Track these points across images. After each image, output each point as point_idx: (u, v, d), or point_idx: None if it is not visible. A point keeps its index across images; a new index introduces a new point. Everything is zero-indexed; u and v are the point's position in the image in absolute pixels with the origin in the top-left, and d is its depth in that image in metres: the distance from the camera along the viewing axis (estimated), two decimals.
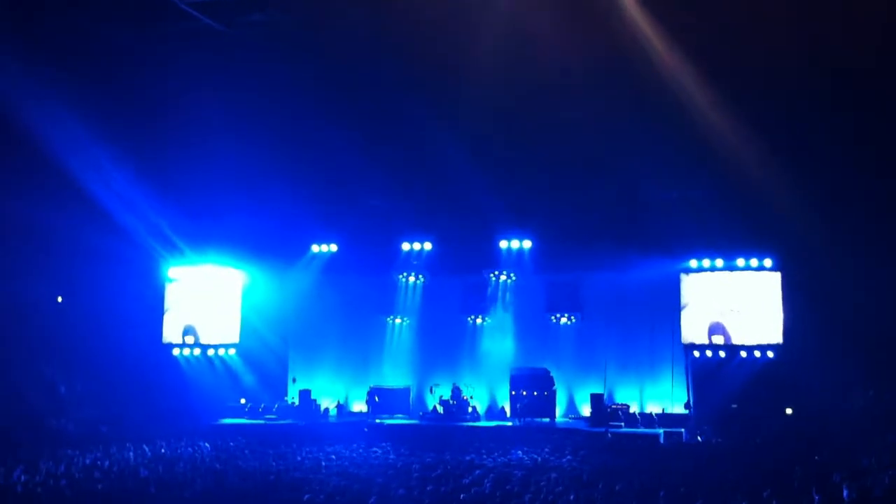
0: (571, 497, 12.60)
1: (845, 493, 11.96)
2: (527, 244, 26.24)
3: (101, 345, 25.58)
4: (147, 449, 19.05)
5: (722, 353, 24.03)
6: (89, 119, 22.19)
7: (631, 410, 24.22)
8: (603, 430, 22.67)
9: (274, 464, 17.27)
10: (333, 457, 18.30)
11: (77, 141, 22.54)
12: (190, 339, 27.16)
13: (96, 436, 21.57)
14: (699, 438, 22.02)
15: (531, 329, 26.51)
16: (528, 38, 18.34)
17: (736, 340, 23.92)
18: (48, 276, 26.40)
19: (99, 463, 16.94)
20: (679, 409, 24.55)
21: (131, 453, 18.41)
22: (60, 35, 20.22)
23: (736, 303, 24.09)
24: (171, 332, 27.38)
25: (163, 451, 19.10)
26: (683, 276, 24.61)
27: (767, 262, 23.93)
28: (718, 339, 24.06)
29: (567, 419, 25.41)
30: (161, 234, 26.47)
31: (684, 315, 24.46)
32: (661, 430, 22.74)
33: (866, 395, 20.55)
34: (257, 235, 26.63)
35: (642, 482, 13.80)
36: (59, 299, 27.55)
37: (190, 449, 19.48)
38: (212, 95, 21.91)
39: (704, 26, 18.12)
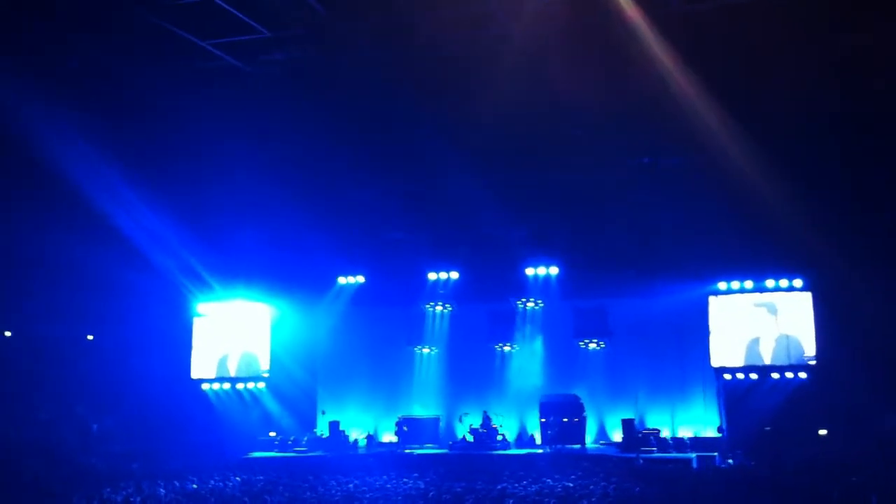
0: None
1: None
2: (553, 271, 26.17)
3: (131, 381, 25.79)
4: (178, 484, 19.07)
5: (754, 376, 23.76)
6: (118, 157, 22.50)
7: (662, 435, 24.02)
8: (634, 455, 22.47)
9: (305, 496, 17.22)
10: (364, 488, 18.23)
11: (105, 178, 22.84)
12: (221, 373, 27.28)
13: (128, 472, 21.62)
14: (730, 462, 21.76)
15: (560, 355, 26.38)
16: (546, 67, 18.42)
17: (767, 362, 23.66)
18: (78, 314, 26.67)
19: (131, 500, 16.96)
20: (711, 432, 24.30)
21: (162, 490, 18.44)
22: (88, 75, 20.55)
23: (766, 324, 23.85)
24: (199, 367, 27.50)
25: (193, 485, 19.11)
26: (712, 299, 24.41)
27: (797, 283, 23.69)
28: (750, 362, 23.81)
29: (598, 445, 25.21)
30: (190, 270, 26.68)
31: (713, 338, 24.23)
32: (693, 455, 22.50)
33: None
34: (284, 270, 26.81)
35: None
36: (90, 337, 27.80)
37: (220, 483, 19.48)
38: (236, 132, 22.17)
39: (723, 53, 18.14)
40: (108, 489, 18.32)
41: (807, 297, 23.55)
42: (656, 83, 18.56)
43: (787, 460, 20.22)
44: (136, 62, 19.99)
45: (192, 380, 27.39)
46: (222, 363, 27.54)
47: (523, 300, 26.69)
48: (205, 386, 27.38)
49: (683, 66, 18.38)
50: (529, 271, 26.32)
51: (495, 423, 25.41)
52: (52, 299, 25.48)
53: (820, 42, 17.12)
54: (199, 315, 27.74)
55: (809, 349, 23.23)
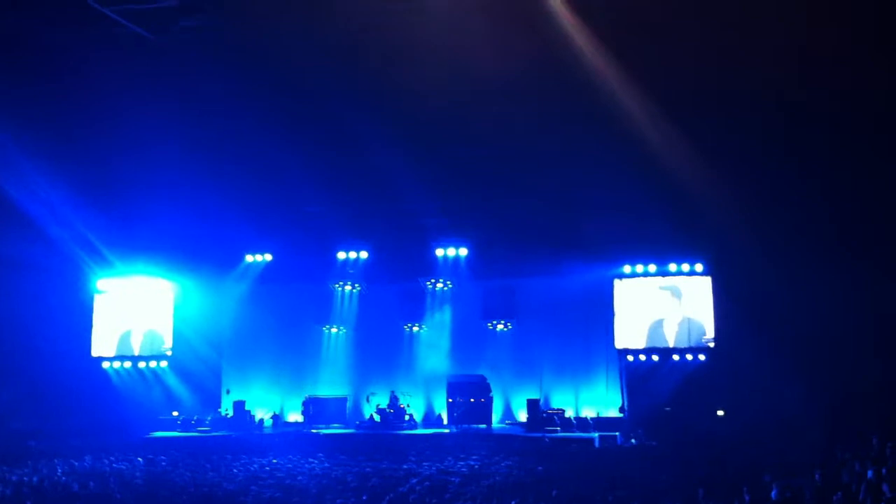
0: (512, 503, 12.63)
1: (774, 492, 12.21)
2: (463, 251, 26.31)
3: (29, 357, 24.97)
4: (77, 464, 18.61)
5: (655, 357, 24.38)
6: (13, 125, 21.64)
7: (566, 415, 24.45)
8: (539, 434, 22.81)
9: (208, 476, 16.99)
10: (269, 468, 18.09)
11: (1, 148, 21.97)
12: (122, 351, 26.68)
13: (24, 451, 20.98)
14: (633, 441, 22.28)
15: (468, 336, 26.55)
16: (462, 42, 18.35)
17: (670, 345, 24.27)
18: None
19: (27, 479, 16.49)
20: (613, 412, 24.79)
21: (60, 469, 17.97)
22: None
23: (669, 307, 24.45)
24: (100, 344, 26.83)
25: (94, 465, 18.67)
26: (617, 282, 24.90)
27: (698, 267, 24.34)
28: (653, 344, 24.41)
29: (504, 425, 25.51)
30: (88, 245, 25.91)
31: (618, 320, 24.74)
32: (596, 434, 22.96)
33: (796, 396, 20.97)
34: (189, 245, 26.25)
35: (578, 486, 13.90)
36: None
37: (122, 463, 19.07)
38: (142, 100, 21.49)
39: (636, 30, 18.32)
40: (4, 468, 17.78)
41: (707, 282, 24.23)
42: (572, 59, 18.67)
43: (685, 439, 20.79)
44: (35, 25, 19.20)
45: (93, 357, 26.71)
46: (123, 340, 26.97)
47: (433, 280, 26.75)
48: (105, 364, 26.77)
49: (599, 42, 18.54)
50: (439, 252, 26.40)
51: (403, 402, 25.48)
52: None
53: (726, 17, 17.41)
54: (99, 291, 27.02)
55: (709, 332, 23.93)
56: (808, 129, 20.38)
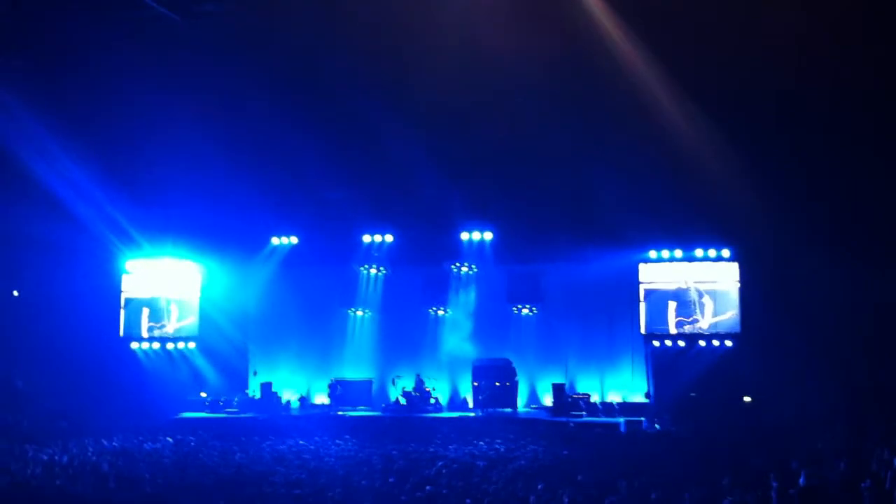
0: (538, 487, 12.66)
1: (802, 479, 12.16)
2: (488, 236, 26.29)
3: (59, 338, 25.28)
4: (106, 444, 18.84)
5: (681, 343, 24.30)
6: (43, 109, 21.83)
7: (592, 400, 24.43)
8: (564, 419, 22.82)
9: (235, 457, 17.16)
10: (296, 450, 18.23)
11: (30, 131, 22.18)
12: (150, 332, 26.94)
13: (54, 431, 21.26)
14: (657, 427, 22.25)
15: (493, 320, 26.53)
16: (487, 30, 18.35)
17: (694, 330, 24.19)
18: (2, 271, 25.98)
19: (57, 458, 16.71)
20: (639, 398, 24.79)
21: (90, 448, 18.19)
22: (13, 25, 19.85)
23: (694, 293, 24.35)
24: (128, 325, 27.09)
25: (123, 445, 18.89)
26: (643, 266, 24.82)
27: (725, 253, 24.22)
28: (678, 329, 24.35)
29: (529, 409, 25.53)
30: (118, 227, 26.14)
31: (643, 305, 24.67)
32: (621, 419, 22.95)
33: (823, 383, 20.86)
34: (216, 228, 26.42)
35: (603, 471, 13.91)
36: (15, 293, 27.14)
37: (150, 443, 19.30)
38: (171, 86, 21.66)
39: (661, 20, 18.24)
40: (33, 447, 18.02)
41: (734, 267, 24.10)
42: (597, 50, 18.62)
43: (711, 425, 20.74)
44: (64, 9, 19.35)
45: (121, 338, 26.96)
46: (151, 321, 27.16)
47: (458, 264, 26.76)
48: (134, 345, 27.00)
49: (625, 33, 18.47)
50: (464, 236, 26.40)
51: (428, 386, 25.56)
52: None
53: (762, 15, 17.31)
54: (127, 272, 27.26)
55: (736, 318, 23.81)
56: (841, 115, 20.22)
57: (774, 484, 11.95)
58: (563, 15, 18.11)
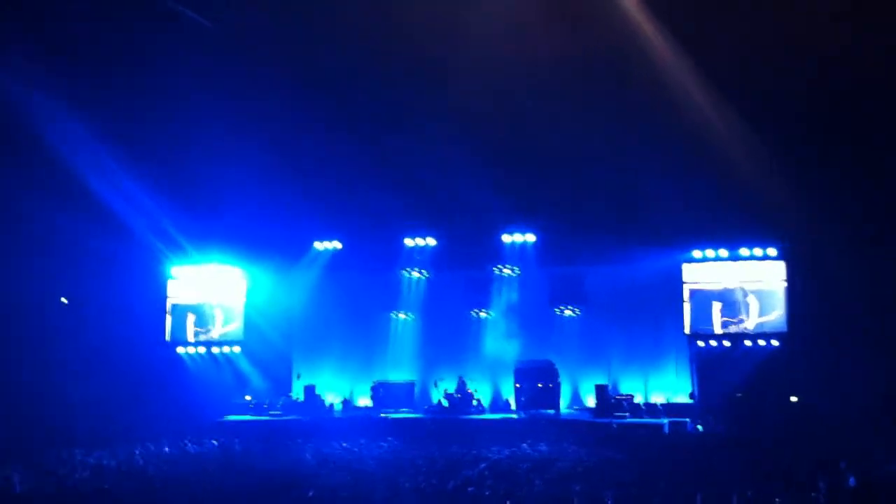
0: (577, 489, 12.59)
1: (851, 480, 11.97)
2: (530, 238, 26.23)
3: (106, 344, 25.63)
4: (153, 447, 19.06)
5: (726, 343, 24.02)
6: (92, 118, 22.20)
7: (635, 401, 24.24)
8: (607, 420, 22.67)
9: (279, 460, 17.27)
10: (339, 452, 18.31)
11: (79, 140, 22.56)
12: (195, 337, 27.24)
13: (102, 435, 21.57)
14: (699, 428, 22.01)
15: (535, 322, 26.45)
16: (525, 32, 18.32)
17: (739, 330, 23.90)
18: (51, 277, 26.41)
19: (105, 462, 16.95)
20: (683, 398, 24.55)
21: (137, 452, 18.42)
22: (66, 31, 20.22)
23: (739, 292, 24.06)
24: (174, 330, 27.42)
25: (168, 449, 19.11)
26: (686, 267, 24.58)
27: (772, 252, 23.89)
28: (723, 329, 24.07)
29: (572, 410, 25.40)
30: (164, 234, 26.49)
31: (687, 305, 24.44)
32: (665, 420, 22.74)
33: (871, 384, 20.51)
34: (260, 234, 26.65)
35: (647, 472, 13.79)
36: (64, 301, 27.59)
37: (196, 447, 19.50)
38: (214, 93, 21.90)
39: (703, 20, 18.10)
40: (81, 451, 18.28)
41: (780, 266, 23.77)
42: (640, 49, 18.51)
43: (757, 426, 20.49)
44: (111, 19, 19.68)
45: (167, 343, 27.30)
46: (197, 326, 27.47)
47: (500, 267, 26.73)
48: (179, 349, 27.32)
49: (666, 31, 18.35)
50: (506, 238, 26.36)
51: (470, 388, 25.54)
52: (24, 261, 25.15)
53: (801, 11, 17.09)
54: (173, 278, 27.60)
55: (782, 317, 23.48)
56: (891, 111, 19.91)
57: (822, 485, 11.78)
58: (605, 13, 18.03)
